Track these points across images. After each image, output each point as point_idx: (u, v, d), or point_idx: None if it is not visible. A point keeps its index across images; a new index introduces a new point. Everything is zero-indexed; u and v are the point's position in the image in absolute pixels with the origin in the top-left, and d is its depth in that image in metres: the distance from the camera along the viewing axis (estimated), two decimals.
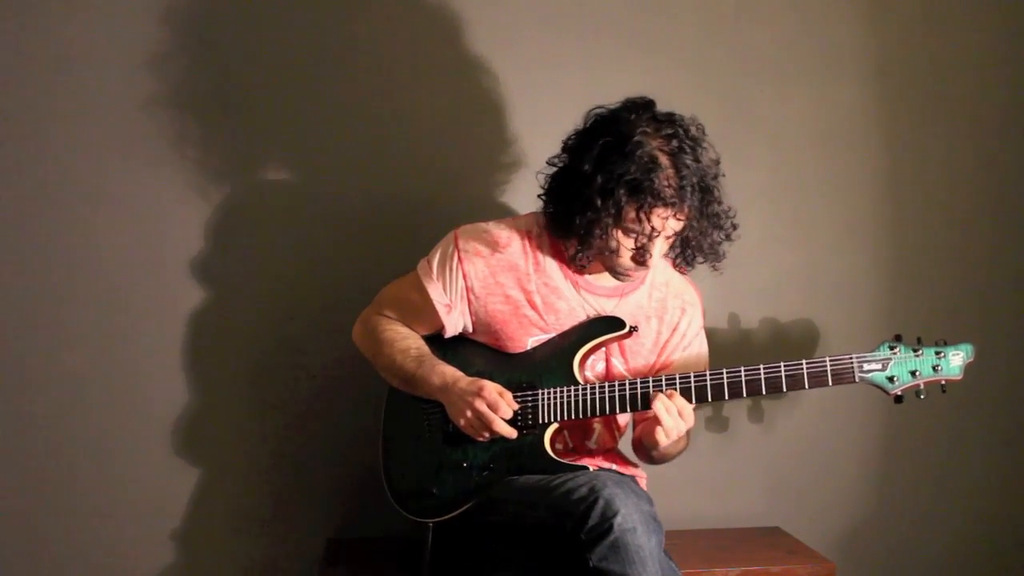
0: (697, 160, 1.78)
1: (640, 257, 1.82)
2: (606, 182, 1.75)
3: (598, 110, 1.86)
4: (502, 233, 1.95)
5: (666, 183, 1.75)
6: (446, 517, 1.94)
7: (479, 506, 1.90)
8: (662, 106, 2.31)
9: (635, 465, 2.10)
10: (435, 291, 1.94)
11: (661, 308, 2.00)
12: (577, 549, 1.65)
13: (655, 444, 1.84)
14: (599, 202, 1.75)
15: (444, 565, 1.98)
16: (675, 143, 1.77)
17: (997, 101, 2.54)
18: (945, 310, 2.51)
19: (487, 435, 1.87)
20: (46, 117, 2.27)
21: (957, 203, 2.54)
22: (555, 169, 1.91)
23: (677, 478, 2.35)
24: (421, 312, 1.98)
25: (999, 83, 2.54)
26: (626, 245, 1.82)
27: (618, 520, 1.62)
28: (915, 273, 2.53)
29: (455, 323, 1.96)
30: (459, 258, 1.92)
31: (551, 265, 1.95)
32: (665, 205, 1.75)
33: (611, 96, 2.35)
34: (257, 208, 2.34)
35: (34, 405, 2.31)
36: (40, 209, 2.29)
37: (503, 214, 2.01)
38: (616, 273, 1.90)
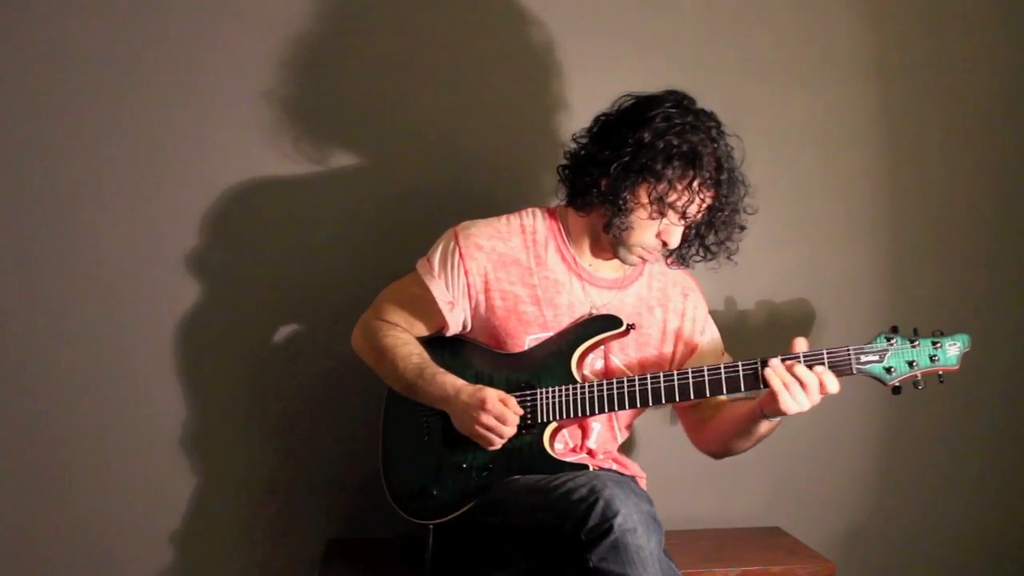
0: (731, 155, 1.87)
1: (669, 235, 1.87)
2: (666, 148, 1.79)
3: (637, 93, 1.90)
4: (502, 228, 1.96)
5: (714, 164, 1.82)
6: (446, 519, 1.94)
7: (479, 507, 1.90)
8: None
9: (635, 465, 2.10)
10: (437, 289, 1.94)
11: (663, 296, 2.01)
12: (577, 549, 1.64)
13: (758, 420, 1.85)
14: (659, 167, 1.79)
15: (445, 565, 1.98)
16: (715, 133, 1.84)
17: (997, 101, 2.54)
18: (945, 309, 2.51)
19: (497, 445, 1.86)
20: (45, 116, 2.27)
21: (956, 202, 2.54)
22: (587, 140, 1.93)
23: (677, 478, 2.36)
24: (423, 311, 1.97)
25: (999, 83, 2.54)
26: (672, 219, 1.85)
27: (618, 520, 1.62)
28: (915, 272, 2.53)
29: (456, 320, 1.96)
30: (460, 254, 1.93)
31: (553, 259, 1.95)
32: (713, 184, 1.83)
33: (610, 96, 2.38)
34: (258, 208, 2.34)
35: (32, 406, 2.31)
36: (38, 209, 2.29)
37: (506, 212, 2.01)
38: (627, 255, 1.91)
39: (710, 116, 1.86)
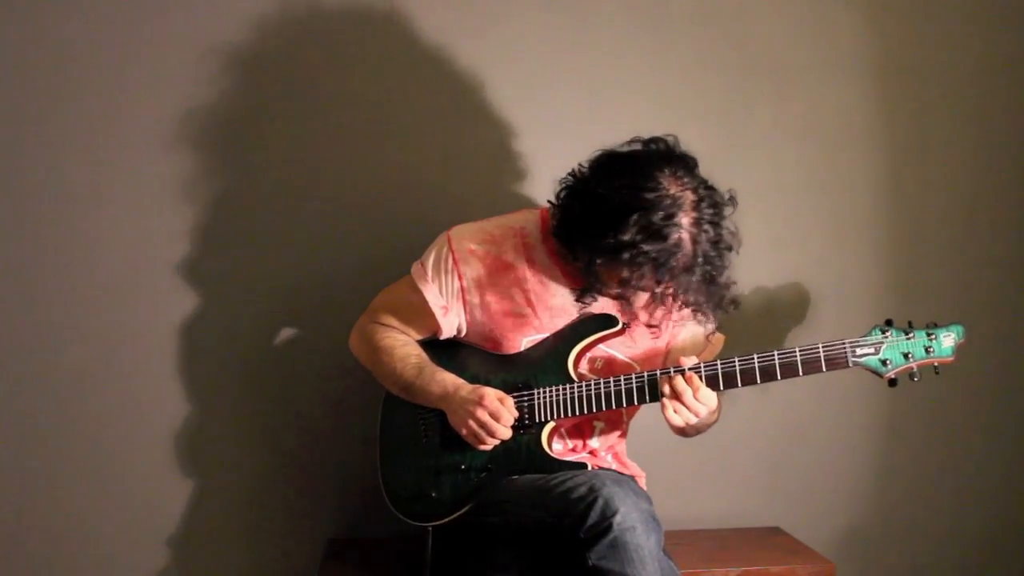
0: (718, 250, 1.77)
1: (629, 301, 1.84)
2: (635, 255, 1.71)
3: (645, 150, 1.81)
4: (495, 232, 1.95)
5: (682, 265, 1.74)
6: (445, 520, 1.94)
7: (478, 507, 1.90)
8: (662, 106, 2.33)
9: (635, 465, 2.10)
10: (431, 293, 1.94)
11: None
12: (576, 548, 1.65)
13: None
14: (625, 272, 1.74)
15: (444, 566, 1.98)
16: (705, 226, 1.74)
17: (997, 101, 2.54)
18: (945, 309, 2.48)
19: (489, 444, 1.86)
20: (44, 117, 2.28)
21: (956, 203, 2.54)
22: (578, 191, 1.83)
23: (677, 478, 2.36)
24: (417, 315, 1.97)
25: (999, 83, 2.54)
26: (626, 295, 1.82)
27: (617, 519, 1.63)
28: (915, 273, 2.53)
29: (451, 325, 1.96)
30: (454, 259, 1.93)
31: (545, 261, 1.94)
32: (676, 280, 1.76)
33: (610, 96, 2.38)
34: (256, 211, 2.34)
35: (31, 408, 2.31)
36: (36, 210, 2.29)
37: (498, 214, 2.01)
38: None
39: (708, 201, 1.75)
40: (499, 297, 1.93)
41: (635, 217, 1.69)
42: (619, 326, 1.90)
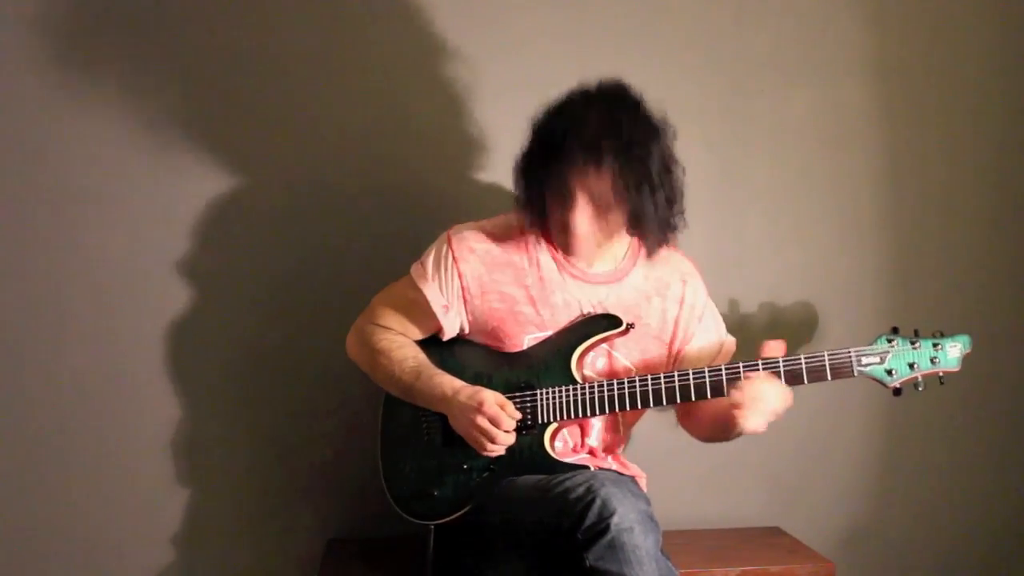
0: (633, 125, 1.78)
1: (569, 221, 1.83)
2: (532, 143, 1.81)
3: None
4: (496, 230, 1.95)
5: (585, 140, 1.75)
6: (447, 519, 1.94)
7: (479, 507, 1.90)
8: (663, 105, 2.31)
9: (635, 465, 2.10)
10: (431, 292, 1.94)
11: (661, 285, 1.99)
12: (574, 549, 1.65)
13: (733, 427, 1.82)
14: (524, 164, 1.83)
15: (445, 565, 1.98)
16: (611, 104, 1.79)
17: (997, 101, 2.54)
18: (946, 310, 2.51)
19: (493, 450, 1.85)
20: (42, 116, 2.28)
21: (958, 202, 2.54)
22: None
23: (677, 478, 2.36)
24: (418, 315, 1.97)
25: (999, 83, 2.54)
26: (559, 216, 1.84)
27: (615, 520, 1.63)
28: (916, 273, 2.53)
29: (452, 324, 1.96)
30: (454, 258, 1.92)
31: (545, 259, 1.95)
32: (575, 163, 1.76)
33: None
34: (255, 210, 2.34)
35: (30, 409, 2.31)
36: (34, 209, 2.29)
37: (498, 214, 2.01)
38: (565, 246, 1.90)
39: (616, 95, 1.82)
40: (500, 295, 1.93)
41: (533, 130, 1.83)
42: (623, 327, 1.90)
